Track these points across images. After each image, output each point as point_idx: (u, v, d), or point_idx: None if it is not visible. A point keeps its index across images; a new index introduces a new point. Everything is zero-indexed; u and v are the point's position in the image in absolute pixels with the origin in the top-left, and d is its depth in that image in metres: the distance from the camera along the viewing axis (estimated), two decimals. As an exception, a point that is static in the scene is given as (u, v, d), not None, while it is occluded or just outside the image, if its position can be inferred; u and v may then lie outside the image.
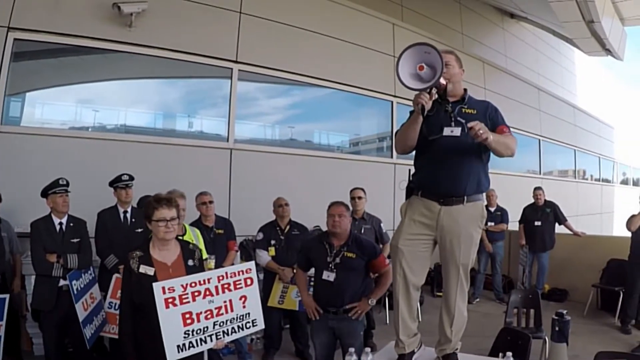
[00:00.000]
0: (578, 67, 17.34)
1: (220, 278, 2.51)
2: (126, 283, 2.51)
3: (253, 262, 2.72)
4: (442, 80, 2.37)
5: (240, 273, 2.60)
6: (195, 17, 5.87)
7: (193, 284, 2.41)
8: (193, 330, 2.40)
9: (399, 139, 2.56)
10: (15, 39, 4.79)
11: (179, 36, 5.71)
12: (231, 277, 2.55)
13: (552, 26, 12.88)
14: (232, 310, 2.54)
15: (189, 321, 2.38)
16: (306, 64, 6.91)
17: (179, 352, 2.34)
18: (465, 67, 2.60)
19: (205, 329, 2.44)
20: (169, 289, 2.33)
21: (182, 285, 2.37)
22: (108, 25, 5.23)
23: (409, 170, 2.68)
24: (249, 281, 2.62)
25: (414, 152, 2.60)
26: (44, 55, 5.17)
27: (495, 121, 2.50)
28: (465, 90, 2.56)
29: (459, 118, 2.44)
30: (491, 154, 2.50)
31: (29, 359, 4.23)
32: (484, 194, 2.59)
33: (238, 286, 2.57)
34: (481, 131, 2.22)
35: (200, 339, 2.43)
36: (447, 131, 2.44)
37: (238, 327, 2.57)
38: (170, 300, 2.32)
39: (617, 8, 10.04)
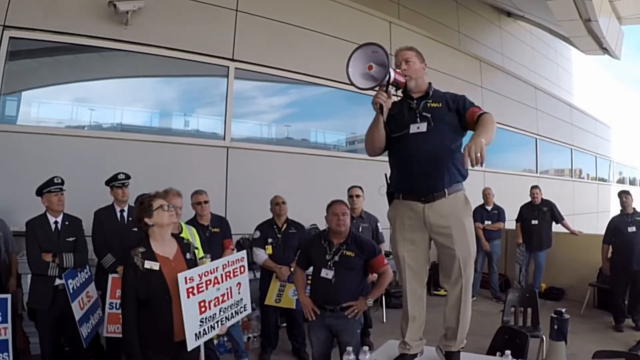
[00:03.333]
0: (575, 65, 17.34)
1: (224, 266, 2.74)
2: (130, 280, 2.45)
3: (244, 251, 2.95)
4: (402, 78, 2.38)
5: (237, 262, 2.85)
6: (191, 15, 5.86)
7: (206, 273, 2.59)
8: (206, 318, 2.56)
9: (366, 142, 2.56)
10: (10, 38, 4.77)
11: (175, 34, 5.70)
12: (231, 265, 2.79)
13: (549, 25, 12.88)
14: (231, 297, 2.75)
15: (203, 309, 2.55)
16: (303, 62, 6.90)
17: (196, 339, 2.47)
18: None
19: (214, 316, 2.62)
20: (189, 279, 2.47)
21: (199, 275, 2.54)
22: (104, 24, 5.21)
23: (385, 174, 2.64)
24: (242, 269, 2.86)
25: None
26: (40, 54, 5.14)
27: (462, 107, 2.42)
28: (429, 84, 2.53)
29: (424, 113, 2.42)
30: (462, 141, 2.44)
31: (25, 358, 4.20)
32: (464, 184, 2.50)
33: (235, 273, 2.81)
34: (478, 154, 1.99)
35: (211, 326, 2.60)
36: (413, 128, 2.41)
37: (235, 312, 2.78)
38: (190, 289, 2.46)
39: (614, 7, 10.05)
